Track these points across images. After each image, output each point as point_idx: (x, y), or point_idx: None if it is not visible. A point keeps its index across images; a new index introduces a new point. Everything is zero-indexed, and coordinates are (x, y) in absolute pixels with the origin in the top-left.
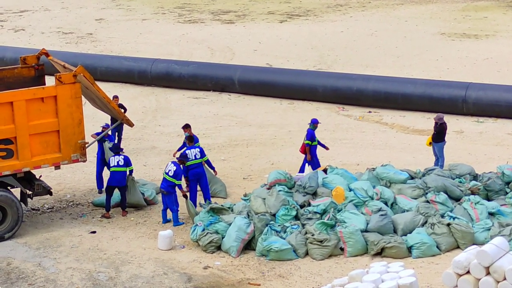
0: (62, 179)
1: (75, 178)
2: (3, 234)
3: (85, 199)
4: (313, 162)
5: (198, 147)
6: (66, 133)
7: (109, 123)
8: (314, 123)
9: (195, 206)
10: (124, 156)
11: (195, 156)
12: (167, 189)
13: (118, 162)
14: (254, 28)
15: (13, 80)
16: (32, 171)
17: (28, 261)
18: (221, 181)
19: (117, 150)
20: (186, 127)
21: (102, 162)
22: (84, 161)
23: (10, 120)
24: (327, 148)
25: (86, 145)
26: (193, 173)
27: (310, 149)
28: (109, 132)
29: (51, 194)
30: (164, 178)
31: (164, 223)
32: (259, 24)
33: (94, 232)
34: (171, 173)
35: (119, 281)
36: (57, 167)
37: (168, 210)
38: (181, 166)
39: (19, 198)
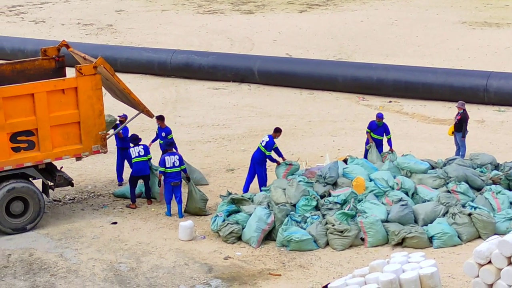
0: (83, 170)
1: (96, 169)
2: (25, 225)
3: (106, 190)
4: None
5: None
6: (86, 124)
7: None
8: (380, 117)
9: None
10: (144, 145)
11: (138, 153)
12: (180, 178)
13: (139, 152)
14: (273, 18)
15: (34, 72)
16: (53, 162)
17: (50, 252)
18: (198, 170)
19: (135, 141)
20: (160, 119)
21: (122, 154)
22: (105, 152)
23: (31, 112)
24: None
25: (107, 136)
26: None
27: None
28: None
29: (72, 185)
30: (174, 173)
31: (170, 216)
32: (278, 14)
33: (115, 223)
34: (177, 163)
35: (140, 272)
36: (78, 158)
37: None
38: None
39: (40, 190)
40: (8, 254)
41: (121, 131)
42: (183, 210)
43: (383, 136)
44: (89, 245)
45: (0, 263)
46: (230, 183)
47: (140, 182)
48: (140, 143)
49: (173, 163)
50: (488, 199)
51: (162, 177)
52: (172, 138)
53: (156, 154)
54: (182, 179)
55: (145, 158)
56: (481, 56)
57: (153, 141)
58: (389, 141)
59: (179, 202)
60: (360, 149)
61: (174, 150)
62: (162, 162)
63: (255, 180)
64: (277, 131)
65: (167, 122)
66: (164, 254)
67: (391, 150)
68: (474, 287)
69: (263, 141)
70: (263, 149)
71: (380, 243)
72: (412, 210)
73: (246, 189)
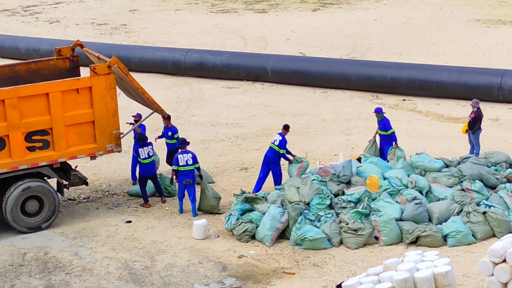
0: (97, 169)
1: (110, 168)
2: (40, 224)
3: (120, 189)
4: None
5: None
6: (101, 123)
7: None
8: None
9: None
10: (151, 145)
11: (148, 154)
12: (193, 177)
13: (148, 153)
14: (287, 17)
15: (48, 72)
16: (68, 161)
17: (65, 250)
18: (202, 169)
19: (142, 141)
20: (166, 118)
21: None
22: (119, 152)
23: (46, 111)
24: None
25: (121, 136)
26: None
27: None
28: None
29: (87, 184)
30: (186, 171)
31: (181, 213)
32: (291, 13)
33: (129, 221)
34: (190, 162)
35: (155, 270)
36: (93, 157)
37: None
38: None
39: (55, 189)
40: (23, 253)
41: (140, 130)
42: (196, 208)
43: (385, 130)
44: (104, 244)
45: (16, 261)
46: (244, 181)
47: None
48: (147, 142)
49: (186, 161)
50: (503, 198)
51: (174, 175)
52: (178, 137)
53: (161, 153)
54: (196, 177)
55: (152, 159)
56: (495, 54)
57: (159, 137)
58: (392, 136)
59: (193, 200)
60: None
61: (186, 148)
62: (176, 161)
63: (268, 179)
64: (287, 128)
65: (180, 121)
66: (178, 253)
67: (396, 145)
68: (489, 286)
69: (275, 140)
70: (276, 148)
71: (394, 242)
72: (426, 208)
73: (257, 189)
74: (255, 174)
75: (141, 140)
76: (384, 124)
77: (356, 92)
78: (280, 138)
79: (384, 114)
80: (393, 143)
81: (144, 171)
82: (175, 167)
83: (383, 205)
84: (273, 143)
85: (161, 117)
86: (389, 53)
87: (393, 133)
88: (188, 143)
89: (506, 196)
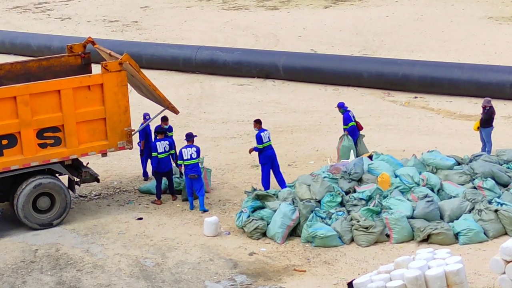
0: (109, 166)
1: (121, 165)
2: (51, 220)
3: (131, 186)
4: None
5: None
6: (112, 120)
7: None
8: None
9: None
10: (169, 140)
11: (164, 148)
12: (197, 171)
13: (164, 148)
14: (298, 14)
15: (60, 69)
16: (79, 158)
17: (76, 247)
18: None
19: (162, 133)
20: (164, 120)
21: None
22: (131, 148)
23: (58, 108)
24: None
25: (132, 133)
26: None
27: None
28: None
29: (98, 181)
30: (191, 165)
31: (192, 209)
32: (303, 10)
33: (140, 218)
34: (194, 155)
35: (166, 267)
36: (104, 154)
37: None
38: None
39: (67, 185)
40: (35, 249)
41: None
42: (204, 202)
43: (345, 125)
44: (115, 241)
45: (27, 258)
46: (255, 179)
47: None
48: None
49: (191, 155)
50: None
51: (183, 169)
52: (172, 135)
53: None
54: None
55: (168, 153)
56: (507, 52)
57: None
58: (353, 129)
59: (200, 194)
60: (386, 144)
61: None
62: (180, 155)
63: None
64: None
65: (192, 118)
66: (189, 250)
67: (346, 133)
68: (501, 284)
69: (191, 154)
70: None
71: (405, 240)
72: (437, 206)
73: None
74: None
75: (159, 132)
76: (344, 118)
77: (367, 90)
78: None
79: (348, 109)
80: (345, 132)
81: (160, 166)
82: (180, 162)
83: (395, 203)
84: (194, 159)
85: (160, 120)
86: (400, 50)
87: (352, 126)
88: (194, 136)
89: None
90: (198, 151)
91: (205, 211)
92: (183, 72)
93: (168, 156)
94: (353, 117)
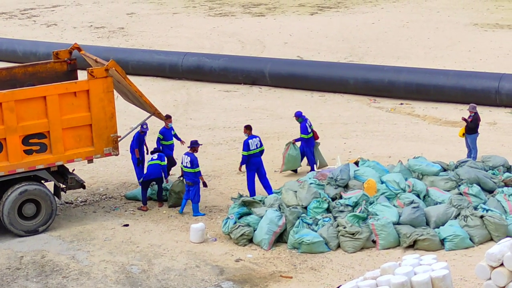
0: (95, 173)
1: (107, 172)
2: (37, 227)
3: (117, 192)
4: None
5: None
6: (98, 127)
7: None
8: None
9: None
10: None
11: (256, 145)
12: (192, 180)
13: (152, 157)
14: (284, 20)
15: (46, 75)
16: (65, 164)
17: (62, 254)
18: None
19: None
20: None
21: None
22: (117, 155)
23: (44, 115)
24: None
25: (119, 139)
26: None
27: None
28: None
29: (84, 187)
30: (185, 172)
31: (181, 213)
32: (289, 16)
33: (127, 225)
34: (188, 165)
35: (152, 274)
36: (90, 160)
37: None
38: (194, 153)
39: (52, 192)
40: (20, 256)
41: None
42: (198, 209)
43: (305, 134)
44: (101, 247)
45: (13, 265)
46: (241, 185)
47: (152, 184)
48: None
49: (186, 163)
50: (500, 202)
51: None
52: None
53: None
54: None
55: (158, 162)
56: (492, 58)
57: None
58: (299, 138)
59: (193, 201)
60: (372, 151)
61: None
62: (195, 143)
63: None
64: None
65: (178, 125)
66: (175, 256)
67: (294, 142)
68: None
69: (186, 162)
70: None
71: (391, 246)
72: (423, 212)
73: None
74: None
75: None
76: (303, 128)
77: (353, 96)
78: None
79: (305, 118)
80: (292, 140)
81: (148, 173)
82: (181, 166)
83: (381, 209)
84: (185, 166)
85: (165, 116)
86: (386, 57)
87: (302, 138)
88: (197, 145)
89: (503, 200)
90: (191, 161)
91: (198, 215)
92: (169, 78)
93: (158, 164)
94: (310, 126)
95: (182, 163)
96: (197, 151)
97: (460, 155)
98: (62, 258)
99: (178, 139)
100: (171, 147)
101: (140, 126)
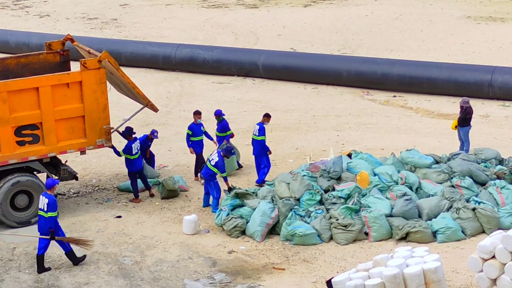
0: (87, 164)
1: (100, 163)
2: (30, 218)
3: (110, 184)
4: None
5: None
6: (91, 118)
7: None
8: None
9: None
10: (140, 139)
11: (137, 149)
12: (206, 176)
13: (137, 148)
14: (278, 12)
15: (38, 66)
16: (57, 156)
17: (55, 245)
18: (149, 166)
19: (130, 132)
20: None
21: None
22: (110, 147)
23: (36, 106)
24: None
25: (111, 130)
26: None
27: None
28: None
29: (76, 179)
30: (205, 165)
31: (204, 207)
32: (283, 8)
33: (119, 216)
34: (212, 163)
35: (145, 265)
36: (83, 152)
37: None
38: (223, 159)
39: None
40: (12, 248)
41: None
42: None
43: (223, 132)
44: (94, 239)
45: (5, 256)
46: (235, 177)
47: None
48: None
49: (212, 161)
50: (492, 194)
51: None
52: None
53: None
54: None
55: (139, 155)
56: (485, 51)
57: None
58: (227, 137)
59: (214, 197)
60: (365, 143)
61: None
62: (229, 151)
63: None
64: (267, 116)
65: (171, 116)
66: (168, 248)
67: (226, 142)
68: (478, 282)
69: (212, 159)
70: (261, 137)
71: (384, 238)
72: (416, 204)
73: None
74: (245, 169)
75: (129, 132)
76: (222, 126)
77: (347, 88)
78: (259, 127)
79: (224, 117)
80: (224, 140)
81: (136, 166)
82: (208, 157)
83: (373, 201)
84: (255, 135)
85: (193, 113)
86: (380, 49)
87: (230, 134)
88: (230, 154)
89: (495, 192)
90: (216, 162)
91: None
92: (162, 70)
93: (139, 157)
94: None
95: (209, 157)
96: (228, 158)
97: (453, 148)
98: (54, 250)
99: (209, 137)
100: (200, 144)
101: (152, 134)
